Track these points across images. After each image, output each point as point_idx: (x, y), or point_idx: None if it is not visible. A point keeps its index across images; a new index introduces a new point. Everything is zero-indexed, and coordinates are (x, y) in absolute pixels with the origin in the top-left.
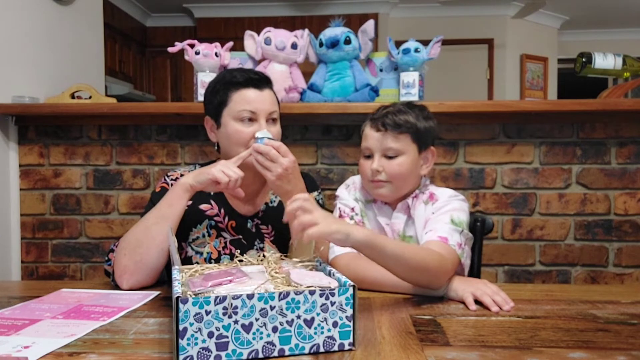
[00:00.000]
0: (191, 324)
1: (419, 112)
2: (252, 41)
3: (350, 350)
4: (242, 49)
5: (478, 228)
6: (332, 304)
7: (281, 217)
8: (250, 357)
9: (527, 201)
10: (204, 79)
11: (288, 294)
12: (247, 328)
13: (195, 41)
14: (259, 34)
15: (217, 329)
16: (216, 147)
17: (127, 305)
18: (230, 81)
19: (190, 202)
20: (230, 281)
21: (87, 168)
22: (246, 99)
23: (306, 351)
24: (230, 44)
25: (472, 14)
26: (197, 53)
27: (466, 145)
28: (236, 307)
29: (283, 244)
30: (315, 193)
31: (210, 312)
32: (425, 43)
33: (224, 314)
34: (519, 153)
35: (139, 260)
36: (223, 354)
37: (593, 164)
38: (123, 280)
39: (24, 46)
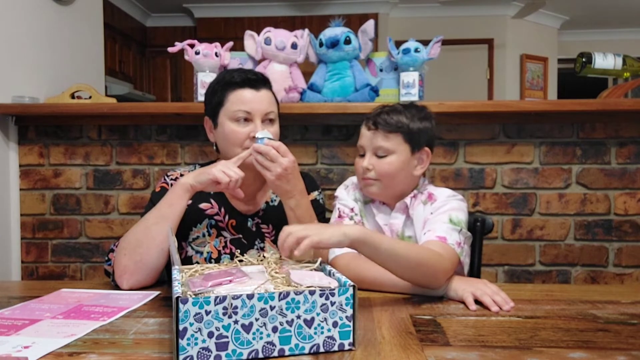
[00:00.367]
0: (191, 324)
1: (415, 113)
2: (252, 41)
3: (350, 350)
4: (242, 49)
5: (478, 228)
6: (332, 304)
7: (281, 216)
8: (250, 357)
9: (527, 201)
10: (204, 79)
11: (288, 294)
12: (247, 328)
13: (195, 41)
14: (259, 34)
15: (217, 329)
16: (215, 148)
17: (127, 305)
18: (228, 82)
19: (190, 201)
20: (230, 281)
21: (87, 168)
22: (242, 99)
23: (306, 351)
24: (230, 44)
25: (472, 14)
26: (197, 53)
27: (466, 145)
28: (236, 307)
29: None
30: (316, 193)
31: (210, 312)
32: (425, 43)
33: (224, 314)
34: (519, 153)
35: (139, 260)
36: (223, 354)
37: (593, 164)
38: (123, 280)
39: (24, 46)
